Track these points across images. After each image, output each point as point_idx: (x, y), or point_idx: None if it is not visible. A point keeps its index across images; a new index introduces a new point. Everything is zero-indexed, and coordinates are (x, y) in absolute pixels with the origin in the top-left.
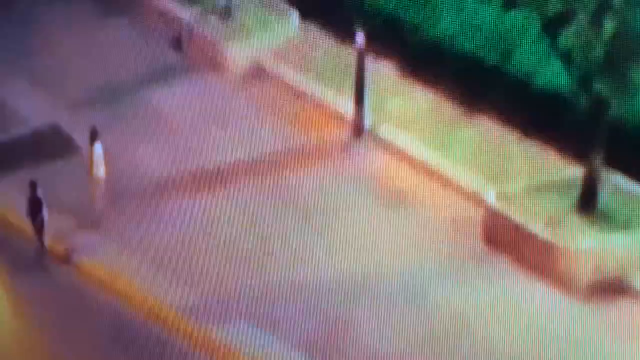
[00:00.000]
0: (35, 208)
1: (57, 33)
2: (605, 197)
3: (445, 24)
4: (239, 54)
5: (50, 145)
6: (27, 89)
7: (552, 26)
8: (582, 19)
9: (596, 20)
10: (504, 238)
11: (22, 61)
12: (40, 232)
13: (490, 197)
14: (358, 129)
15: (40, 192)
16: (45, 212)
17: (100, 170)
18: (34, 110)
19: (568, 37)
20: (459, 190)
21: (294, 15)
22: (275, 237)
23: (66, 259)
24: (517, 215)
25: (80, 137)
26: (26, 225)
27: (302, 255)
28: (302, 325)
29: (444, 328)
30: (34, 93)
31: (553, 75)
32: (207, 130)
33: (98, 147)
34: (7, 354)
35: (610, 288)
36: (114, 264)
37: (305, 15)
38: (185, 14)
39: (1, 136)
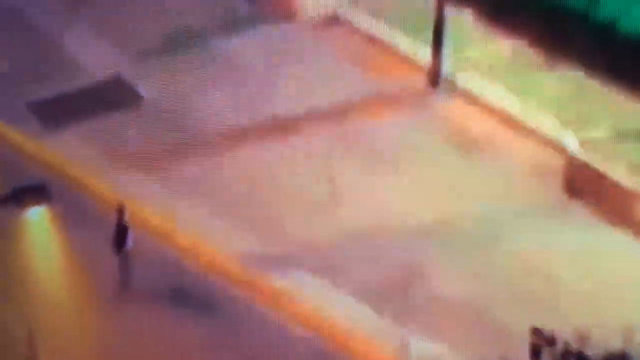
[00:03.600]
0: (121, 236)
1: None
2: None
3: None
4: (311, 1)
5: (114, 95)
6: (90, 39)
7: None
8: None
9: None
10: (585, 186)
11: (87, 11)
12: (124, 265)
13: (572, 144)
14: (435, 77)
15: (127, 219)
16: (130, 241)
17: None
18: (95, 61)
19: None
20: (539, 138)
21: None
22: (346, 185)
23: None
24: (598, 162)
25: (142, 88)
26: (86, 177)
27: (373, 202)
28: (370, 273)
29: (520, 277)
30: (96, 44)
31: (637, 19)
32: (279, 78)
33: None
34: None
35: None
36: (176, 211)
37: None
38: None
39: (66, 87)
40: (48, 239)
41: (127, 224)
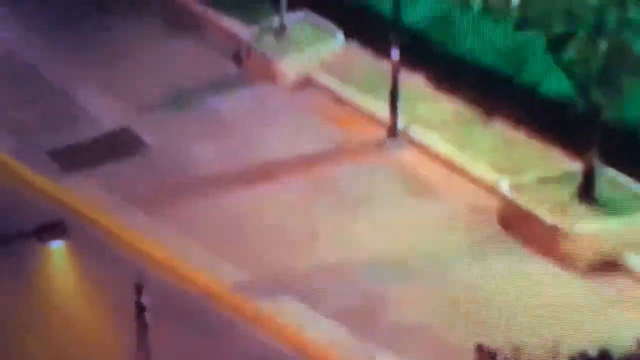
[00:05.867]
0: (141, 313)
1: (128, 44)
2: (601, 188)
3: (466, 41)
4: (290, 66)
5: (122, 144)
6: (100, 94)
7: (556, 43)
8: (581, 37)
9: (593, 39)
10: (516, 223)
11: (96, 69)
12: (144, 345)
13: (504, 188)
14: (393, 130)
15: (144, 298)
16: (147, 318)
17: None
18: (105, 114)
19: (569, 53)
20: (477, 182)
21: (339, 34)
22: (318, 221)
23: None
24: (526, 203)
25: (147, 138)
26: (99, 213)
27: (341, 237)
28: (340, 300)
29: (465, 301)
30: (105, 98)
31: (556, 85)
32: (260, 131)
33: None
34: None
35: (605, 266)
36: (171, 245)
37: (348, 34)
38: (245, 33)
39: (80, 137)
40: (67, 271)
41: (144, 305)
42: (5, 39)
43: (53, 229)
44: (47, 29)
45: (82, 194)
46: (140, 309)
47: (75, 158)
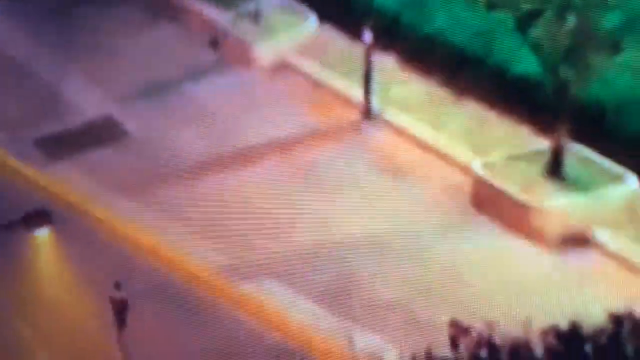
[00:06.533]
0: (120, 312)
1: (111, 34)
2: (569, 165)
3: (438, 22)
4: (266, 51)
5: (105, 132)
6: (83, 84)
7: (524, 22)
8: (549, 15)
9: (560, 16)
10: (488, 200)
11: (79, 60)
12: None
13: (476, 166)
14: (367, 112)
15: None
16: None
17: None
18: (88, 103)
19: (537, 31)
20: (450, 161)
21: (313, 18)
22: (297, 204)
23: None
24: (498, 181)
25: (129, 126)
26: (84, 200)
27: (319, 219)
28: (320, 280)
29: (439, 278)
30: (88, 88)
31: (526, 63)
32: (239, 116)
33: None
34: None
35: (574, 241)
36: (158, 230)
37: (322, 17)
38: (222, 19)
39: (65, 126)
40: (52, 257)
41: (121, 299)
42: None
43: (38, 217)
44: (31, 20)
45: (67, 181)
46: (119, 304)
47: (60, 147)
